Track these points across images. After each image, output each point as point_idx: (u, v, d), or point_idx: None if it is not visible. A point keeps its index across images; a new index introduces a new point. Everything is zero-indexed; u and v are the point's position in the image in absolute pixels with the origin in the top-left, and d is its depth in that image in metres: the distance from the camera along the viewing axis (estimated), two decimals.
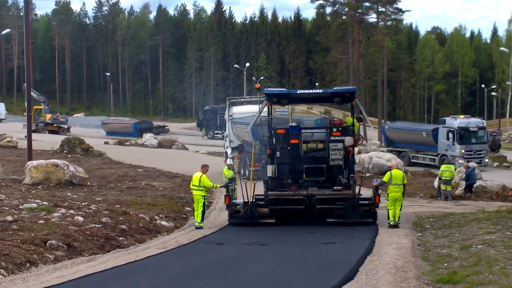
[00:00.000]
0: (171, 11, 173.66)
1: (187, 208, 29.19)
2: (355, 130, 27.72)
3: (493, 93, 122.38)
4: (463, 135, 53.60)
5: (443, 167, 36.81)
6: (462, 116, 57.80)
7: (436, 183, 37.59)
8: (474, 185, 37.81)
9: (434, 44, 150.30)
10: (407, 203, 30.68)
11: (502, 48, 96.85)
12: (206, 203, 26.27)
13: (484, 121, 57.49)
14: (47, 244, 18.99)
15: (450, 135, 53.67)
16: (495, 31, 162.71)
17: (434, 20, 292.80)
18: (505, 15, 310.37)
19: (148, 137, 75.04)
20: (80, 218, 22.80)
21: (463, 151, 52.62)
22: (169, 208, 28.07)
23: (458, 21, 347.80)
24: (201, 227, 24.96)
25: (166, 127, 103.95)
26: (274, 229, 24.98)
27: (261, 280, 16.67)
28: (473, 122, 55.59)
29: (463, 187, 37.77)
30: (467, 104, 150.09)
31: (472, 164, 42.28)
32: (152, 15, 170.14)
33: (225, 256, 20.16)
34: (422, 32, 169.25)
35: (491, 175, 46.17)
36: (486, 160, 54.77)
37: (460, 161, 48.23)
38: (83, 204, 26.06)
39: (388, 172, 26.06)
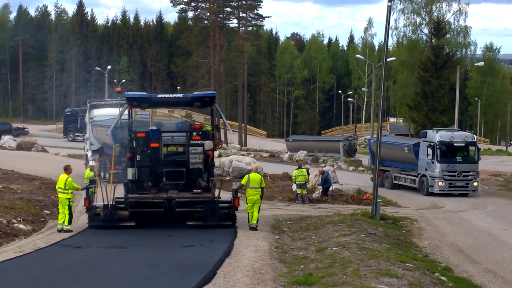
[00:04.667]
0: (32, 12, 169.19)
1: (46, 211, 28.79)
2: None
3: (349, 99, 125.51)
4: (445, 152, 45.16)
5: (295, 172, 37.32)
6: (447, 129, 49.25)
7: (294, 187, 38.28)
8: (330, 189, 38.80)
9: (293, 50, 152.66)
10: (265, 206, 31.18)
11: (358, 56, 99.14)
12: (72, 206, 25.84)
13: (474, 136, 48.65)
14: None
15: (430, 151, 45.26)
16: (351, 38, 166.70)
17: (293, 26, 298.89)
18: (360, 23, 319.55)
19: (6, 139, 73.27)
20: None
21: (442, 171, 44.81)
22: (27, 211, 27.62)
23: (316, 28, 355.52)
24: (70, 230, 24.64)
25: (25, 129, 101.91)
26: (134, 232, 24.95)
27: (119, 283, 16.71)
28: (459, 136, 46.49)
29: (320, 191, 38.71)
30: (325, 109, 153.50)
31: (327, 168, 43.26)
32: (12, 16, 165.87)
33: (83, 259, 19.99)
34: (282, 38, 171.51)
35: (347, 179, 47.45)
36: (475, 184, 45.60)
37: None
38: None
39: (246, 176, 26.45)
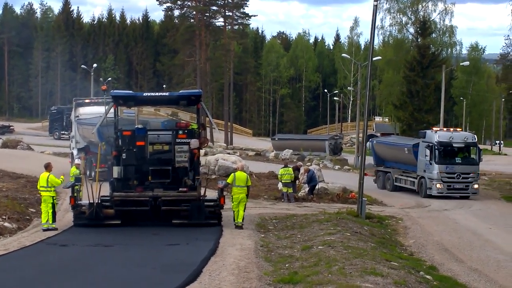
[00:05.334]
0: (18, 10, 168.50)
1: (31, 210, 28.71)
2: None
3: (335, 98, 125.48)
4: (444, 153, 43.78)
5: (281, 170, 37.35)
6: (451, 129, 47.12)
7: (280, 186, 38.32)
8: (316, 187, 38.86)
9: (279, 49, 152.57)
10: (251, 205, 31.21)
11: (344, 55, 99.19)
12: (56, 203, 25.73)
13: (475, 136, 47.18)
14: None
15: (428, 151, 43.64)
16: (337, 37, 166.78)
17: (279, 25, 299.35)
18: (346, 22, 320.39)
19: None
20: None
21: (441, 172, 43.37)
22: (12, 209, 27.52)
23: (302, 27, 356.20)
24: (55, 229, 24.54)
25: (11, 127, 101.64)
26: (120, 230, 24.92)
27: (104, 281, 16.67)
28: (459, 136, 44.87)
29: (306, 189, 38.75)
30: (311, 108, 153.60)
31: (312, 166, 43.32)
32: None
33: (68, 257, 19.97)
34: (268, 37, 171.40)
35: (333, 178, 47.46)
36: (476, 186, 44.22)
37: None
38: None
39: (232, 174, 26.48)
